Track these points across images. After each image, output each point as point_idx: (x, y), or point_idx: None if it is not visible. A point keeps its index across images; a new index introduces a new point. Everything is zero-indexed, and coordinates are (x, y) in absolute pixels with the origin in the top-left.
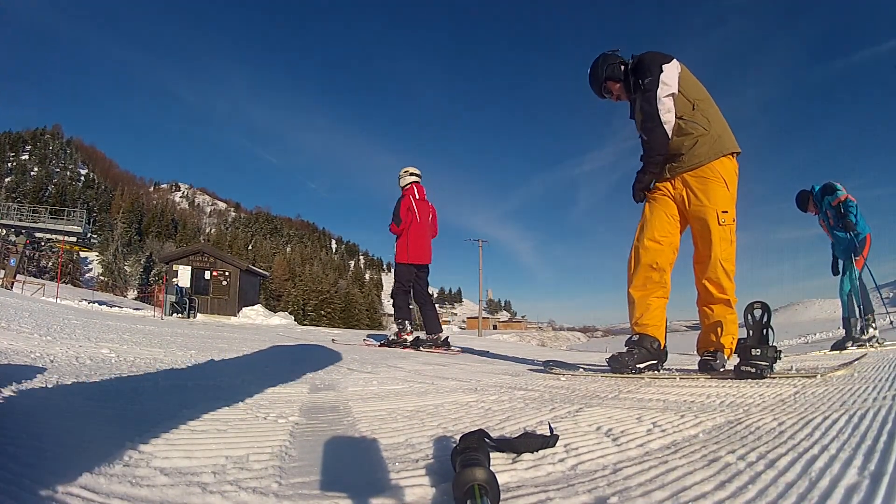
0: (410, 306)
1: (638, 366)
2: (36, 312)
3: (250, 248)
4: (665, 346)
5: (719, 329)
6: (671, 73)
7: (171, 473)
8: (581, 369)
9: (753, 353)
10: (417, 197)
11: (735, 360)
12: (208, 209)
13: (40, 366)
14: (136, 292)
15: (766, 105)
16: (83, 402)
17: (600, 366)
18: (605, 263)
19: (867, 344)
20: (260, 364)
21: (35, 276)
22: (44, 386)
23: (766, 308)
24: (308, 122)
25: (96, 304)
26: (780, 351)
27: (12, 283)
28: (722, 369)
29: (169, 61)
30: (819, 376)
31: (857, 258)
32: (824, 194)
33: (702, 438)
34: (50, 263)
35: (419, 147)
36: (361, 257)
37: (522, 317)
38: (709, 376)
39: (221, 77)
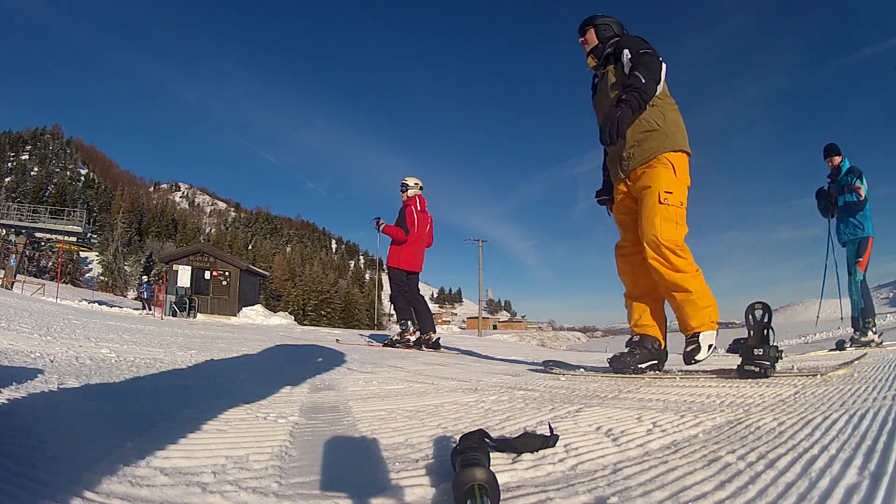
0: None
1: (639, 366)
2: (36, 312)
3: (250, 248)
4: (665, 346)
5: (687, 308)
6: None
7: (171, 473)
8: (581, 370)
9: (756, 353)
10: (419, 208)
11: (726, 355)
12: (208, 209)
13: (40, 366)
14: (136, 292)
15: (766, 104)
16: (83, 402)
17: (601, 366)
18: (606, 263)
19: (866, 346)
20: (260, 364)
21: (35, 276)
22: (44, 386)
23: (766, 308)
24: (308, 122)
25: (96, 304)
26: (782, 350)
27: (12, 283)
28: (707, 353)
29: (169, 61)
30: (819, 376)
31: (860, 260)
32: (851, 173)
33: (702, 438)
34: (50, 263)
35: (419, 146)
36: (361, 257)
37: (522, 317)
38: (712, 375)
39: (221, 77)
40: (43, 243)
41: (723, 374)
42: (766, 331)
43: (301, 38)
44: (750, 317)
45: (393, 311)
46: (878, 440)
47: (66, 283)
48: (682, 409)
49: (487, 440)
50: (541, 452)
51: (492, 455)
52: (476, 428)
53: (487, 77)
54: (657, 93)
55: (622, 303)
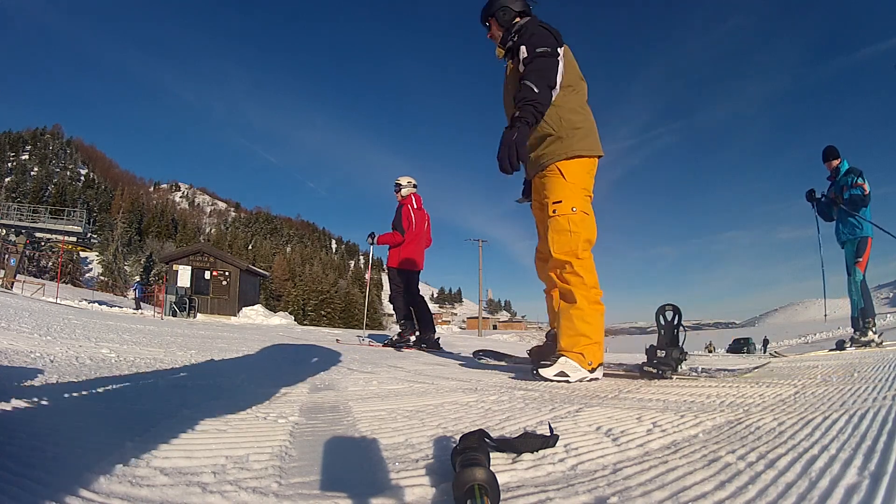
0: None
1: None
2: (36, 312)
3: (250, 248)
4: None
5: (564, 323)
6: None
7: (171, 473)
8: (512, 358)
9: (659, 355)
10: (415, 206)
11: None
12: (208, 209)
13: (40, 366)
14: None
15: (766, 104)
16: (83, 402)
17: (525, 355)
18: (605, 263)
19: (866, 346)
20: (260, 364)
21: (35, 276)
22: (44, 386)
23: (676, 310)
24: (308, 122)
25: (96, 304)
26: (687, 352)
27: (12, 283)
28: (553, 376)
29: (169, 61)
30: (724, 378)
31: (859, 260)
32: (852, 172)
33: (702, 438)
34: (50, 263)
35: (419, 146)
36: (361, 257)
37: (522, 317)
38: (621, 373)
39: (221, 77)
40: (43, 243)
41: (630, 374)
42: (675, 331)
43: (301, 38)
44: (661, 317)
45: (393, 311)
46: (878, 440)
47: (66, 283)
48: (682, 409)
49: (487, 440)
50: (541, 452)
51: (492, 455)
52: (476, 428)
53: (487, 76)
54: (554, 97)
55: (622, 302)
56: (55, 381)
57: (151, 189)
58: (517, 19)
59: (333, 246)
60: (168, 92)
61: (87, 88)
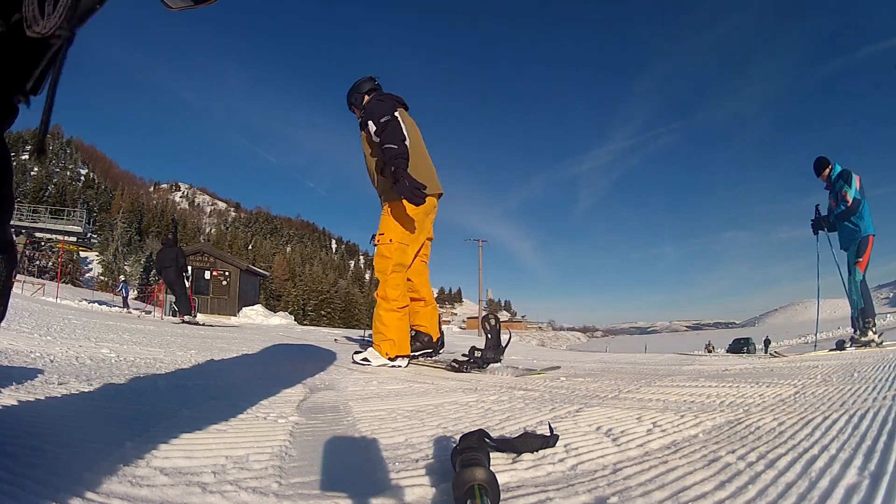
0: None
1: (413, 353)
2: (36, 312)
3: (250, 248)
4: (440, 339)
5: (374, 322)
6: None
7: (171, 473)
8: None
9: (487, 356)
10: None
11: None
12: (208, 209)
13: (40, 366)
14: (136, 292)
15: (766, 103)
16: (83, 402)
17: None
18: (605, 263)
19: (866, 346)
20: (260, 364)
21: (35, 276)
22: (44, 386)
23: (498, 320)
24: (308, 122)
25: (96, 304)
26: (502, 355)
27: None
28: (359, 361)
29: (168, 61)
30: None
31: (859, 260)
32: (840, 178)
33: (702, 438)
34: (50, 263)
35: None
36: (361, 257)
37: (522, 317)
38: (442, 367)
39: (221, 77)
40: (43, 243)
41: (453, 366)
42: (499, 336)
43: (301, 37)
44: (486, 324)
45: None
46: (878, 440)
47: (66, 283)
48: (682, 409)
49: (487, 440)
50: (541, 452)
51: (492, 455)
52: (476, 428)
53: (487, 77)
54: (408, 145)
55: (621, 303)
56: (55, 381)
57: (151, 189)
58: (366, 98)
59: (333, 246)
60: (168, 92)
61: (87, 88)
